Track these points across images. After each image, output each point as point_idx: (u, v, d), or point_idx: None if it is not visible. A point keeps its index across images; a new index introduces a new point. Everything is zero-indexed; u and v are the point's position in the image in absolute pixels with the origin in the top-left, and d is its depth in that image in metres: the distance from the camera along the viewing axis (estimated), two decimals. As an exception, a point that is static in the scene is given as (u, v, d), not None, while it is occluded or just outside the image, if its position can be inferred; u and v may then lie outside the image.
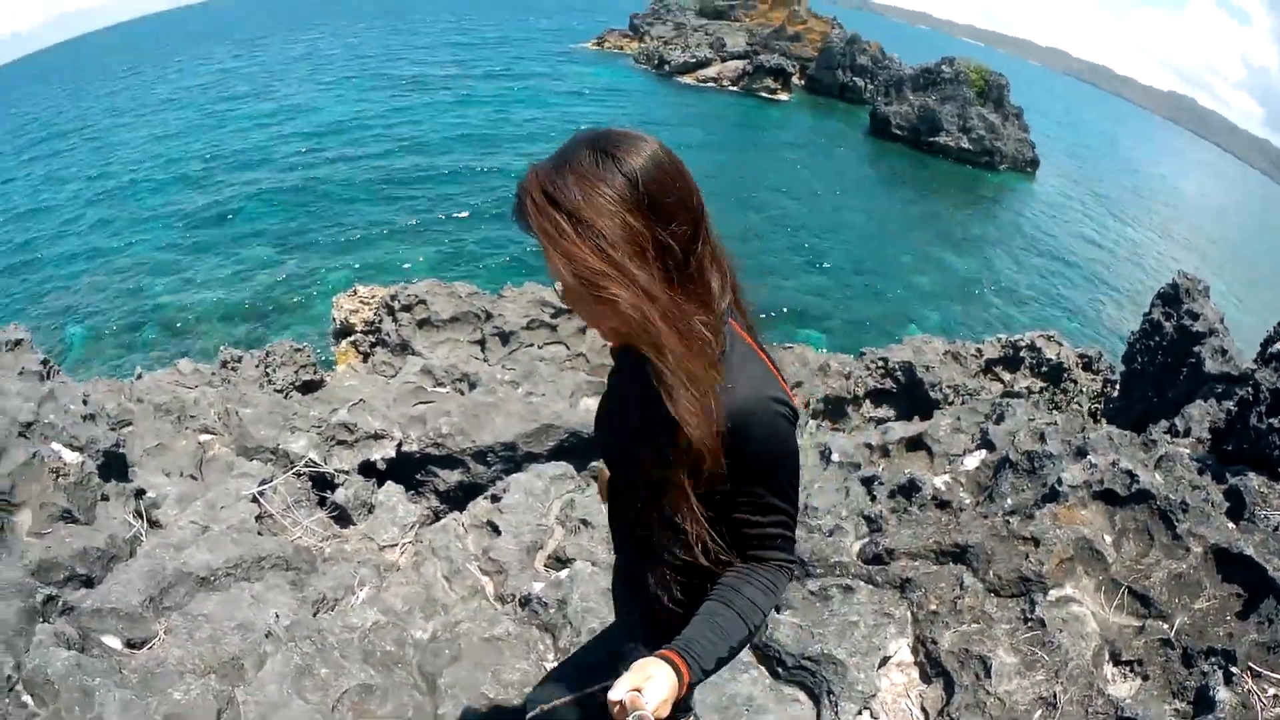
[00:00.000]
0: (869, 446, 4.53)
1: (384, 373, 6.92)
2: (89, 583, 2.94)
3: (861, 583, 3.00)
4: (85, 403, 3.96)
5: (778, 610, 2.93)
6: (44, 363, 4.51)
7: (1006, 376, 7.42)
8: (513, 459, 5.00)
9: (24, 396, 3.60)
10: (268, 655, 2.68)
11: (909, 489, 4.00)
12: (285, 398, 6.22)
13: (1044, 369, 7.40)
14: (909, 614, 2.85)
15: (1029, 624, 2.67)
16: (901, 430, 4.67)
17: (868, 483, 4.10)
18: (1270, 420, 3.21)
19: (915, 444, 4.68)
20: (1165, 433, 4.45)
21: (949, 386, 6.79)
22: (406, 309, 7.26)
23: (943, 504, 3.97)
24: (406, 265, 18.12)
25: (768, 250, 21.10)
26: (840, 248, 22.37)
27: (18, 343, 4.57)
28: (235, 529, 3.52)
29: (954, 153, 35.31)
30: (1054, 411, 5.11)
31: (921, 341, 7.50)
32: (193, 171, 25.83)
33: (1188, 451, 3.52)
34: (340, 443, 4.92)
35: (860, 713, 2.53)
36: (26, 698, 2.25)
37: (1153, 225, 35.69)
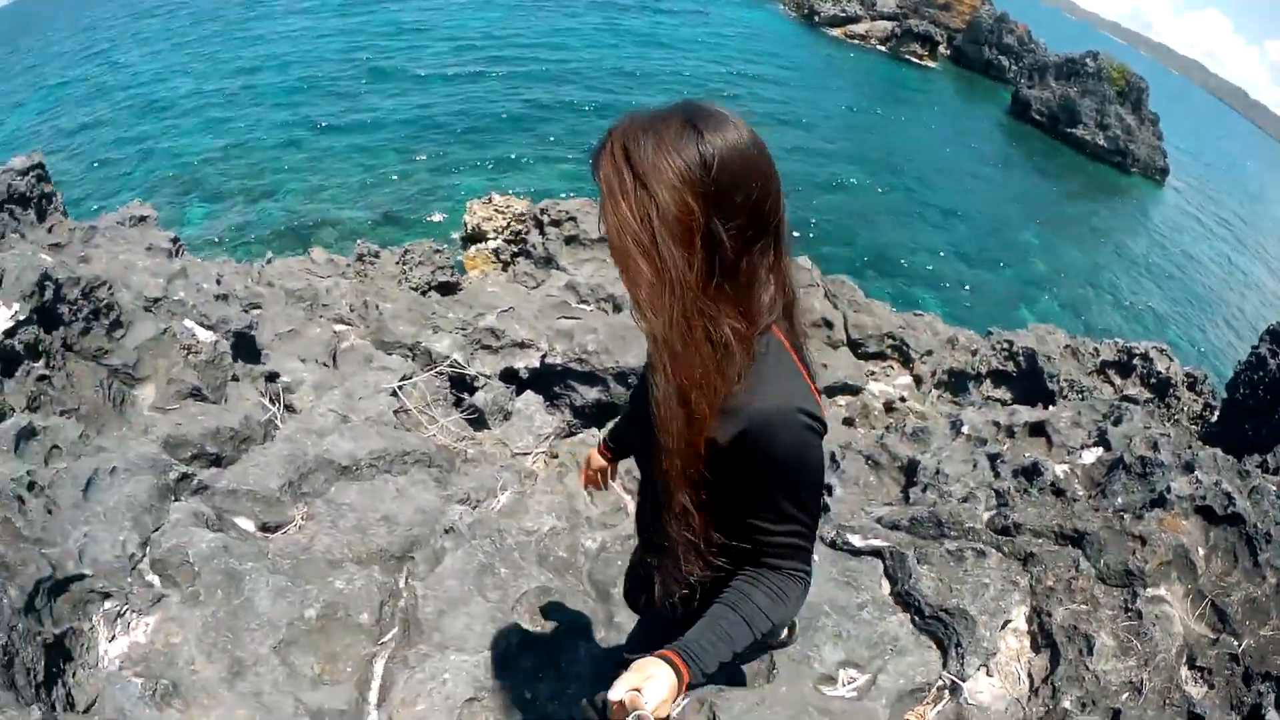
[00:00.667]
0: (996, 425, 4.47)
1: (525, 283, 6.91)
2: (218, 462, 2.88)
3: (992, 550, 3.01)
4: (219, 282, 3.92)
5: (915, 571, 2.92)
6: (174, 240, 4.53)
7: (1117, 380, 7.00)
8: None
9: (152, 272, 3.59)
10: (446, 550, 2.57)
11: (1032, 471, 3.97)
12: (423, 296, 6.31)
13: (1152, 380, 6.97)
14: (1030, 585, 2.86)
15: (1129, 613, 2.75)
16: (1026, 415, 4.58)
17: (993, 459, 4.10)
18: (1361, 480, 3.21)
19: (1037, 430, 4.54)
20: (1258, 466, 4.47)
21: (1065, 379, 6.43)
22: (556, 224, 7.28)
23: (1059, 491, 3.94)
24: (537, 186, 17.70)
25: (895, 209, 20.41)
26: (967, 218, 21.52)
27: (142, 219, 4.71)
28: (374, 421, 3.42)
29: (1089, 147, 34.24)
30: (1167, 424, 4.83)
31: (1045, 331, 7.11)
32: (325, 73, 25.28)
33: (1275, 488, 3.45)
34: (485, 347, 4.93)
35: (980, 668, 2.59)
36: (153, 577, 2.14)
37: (1268, 260, 32.99)
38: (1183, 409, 6.72)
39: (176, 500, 2.47)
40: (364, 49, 28.04)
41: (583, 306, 5.85)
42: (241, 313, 3.89)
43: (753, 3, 46.32)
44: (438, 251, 7.75)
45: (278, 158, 18.44)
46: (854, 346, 6.37)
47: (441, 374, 4.65)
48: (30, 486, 2.09)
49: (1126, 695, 2.44)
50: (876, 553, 3.23)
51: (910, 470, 4.33)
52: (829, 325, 6.44)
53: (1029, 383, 6.56)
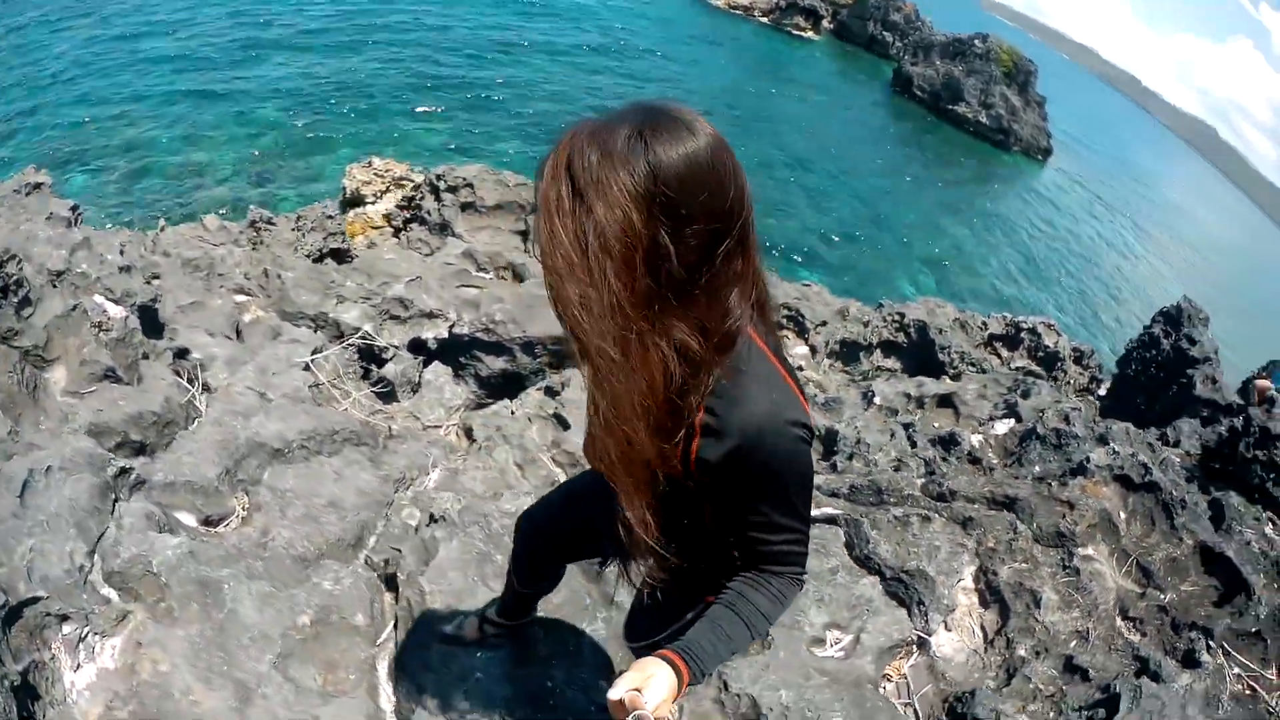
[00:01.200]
0: (907, 396, 4.72)
1: (419, 250, 6.72)
2: (142, 450, 2.65)
3: (934, 514, 3.20)
4: (121, 253, 3.66)
5: (871, 536, 3.07)
6: (73, 209, 4.17)
7: (1005, 353, 7.60)
8: (559, 354, 4.97)
9: (54, 244, 3.30)
10: (439, 541, 2.44)
11: (949, 441, 4.23)
12: (319, 264, 5.94)
13: (1040, 354, 7.60)
14: (974, 547, 3.06)
15: (1066, 570, 3.00)
16: (934, 387, 4.88)
17: (907, 428, 4.35)
18: (1256, 452, 3.62)
19: (945, 401, 4.85)
20: (1158, 439, 5.04)
21: (955, 352, 6.92)
22: (452, 190, 7.05)
23: (975, 460, 4.26)
24: (415, 154, 17.40)
25: (777, 183, 20.85)
26: (848, 194, 22.24)
27: (37, 186, 4.16)
28: (292, 398, 3.27)
29: (970, 124, 35.15)
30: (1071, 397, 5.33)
31: (935, 304, 7.58)
32: (206, 40, 24.01)
33: (1179, 460, 3.88)
34: (393, 317, 4.79)
35: (940, 623, 2.78)
36: (109, 591, 1.91)
37: (1149, 241, 36.36)
38: (1069, 382, 7.42)
39: (118, 499, 2.21)
40: (246, 16, 26.07)
41: (482, 275, 5.77)
42: (145, 285, 3.53)
43: (635, -28, 45.99)
44: (329, 217, 7.28)
45: (158, 126, 17.60)
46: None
47: (349, 346, 4.49)
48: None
49: (1075, 643, 2.68)
50: (831, 520, 3.38)
51: (830, 440, 4.58)
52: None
53: (920, 354, 7.03)
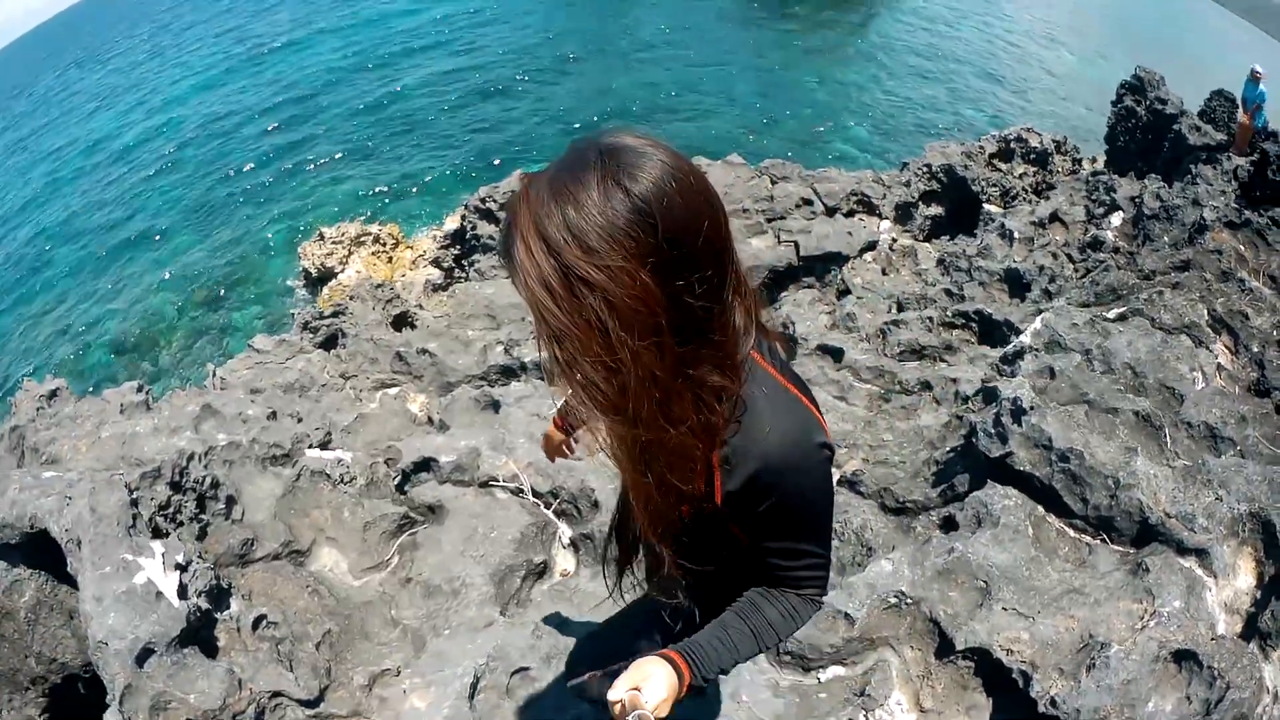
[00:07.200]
0: (1032, 223, 5.60)
1: (500, 276, 6.96)
2: None
3: (1168, 289, 4.05)
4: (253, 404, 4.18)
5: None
6: (139, 389, 4.66)
7: (1003, 166, 8.67)
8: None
9: (175, 432, 3.87)
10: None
11: (1094, 244, 5.14)
12: (399, 331, 6.39)
13: (1032, 156, 8.72)
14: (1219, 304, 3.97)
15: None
16: (1044, 209, 5.75)
17: (1061, 244, 5.23)
18: (1281, 175, 4.73)
19: (1053, 218, 5.80)
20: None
21: (982, 180, 7.94)
22: (505, 207, 7.21)
23: (1115, 249, 5.20)
24: (345, 199, 16.69)
25: (675, 99, 20.43)
26: (742, 82, 21.53)
27: (54, 392, 4.64)
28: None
29: None
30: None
31: (940, 146, 8.54)
32: (77, 175, 22.74)
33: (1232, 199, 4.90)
34: None
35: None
36: None
37: (999, 29, 33.46)
38: (1058, 169, 8.58)
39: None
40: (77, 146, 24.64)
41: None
42: (296, 423, 4.20)
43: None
44: (379, 287, 7.38)
45: (76, 291, 16.74)
46: (831, 213, 7.37)
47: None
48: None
49: None
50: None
51: (1014, 276, 5.27)
52: (809, 203, 7.35)
53: (954, 193, 8.02)
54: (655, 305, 0.87)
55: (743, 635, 1.18)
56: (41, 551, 3.07)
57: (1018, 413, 3.01)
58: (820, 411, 1.10)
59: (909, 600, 2.65)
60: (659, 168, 0.87)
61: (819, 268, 6.60)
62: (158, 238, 17.93)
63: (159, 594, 2.79)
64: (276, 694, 2.83)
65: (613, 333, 0.86)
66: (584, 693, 1.79)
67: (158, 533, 3.16)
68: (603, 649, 1.82)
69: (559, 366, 0.91)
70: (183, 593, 2.86)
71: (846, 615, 2.62)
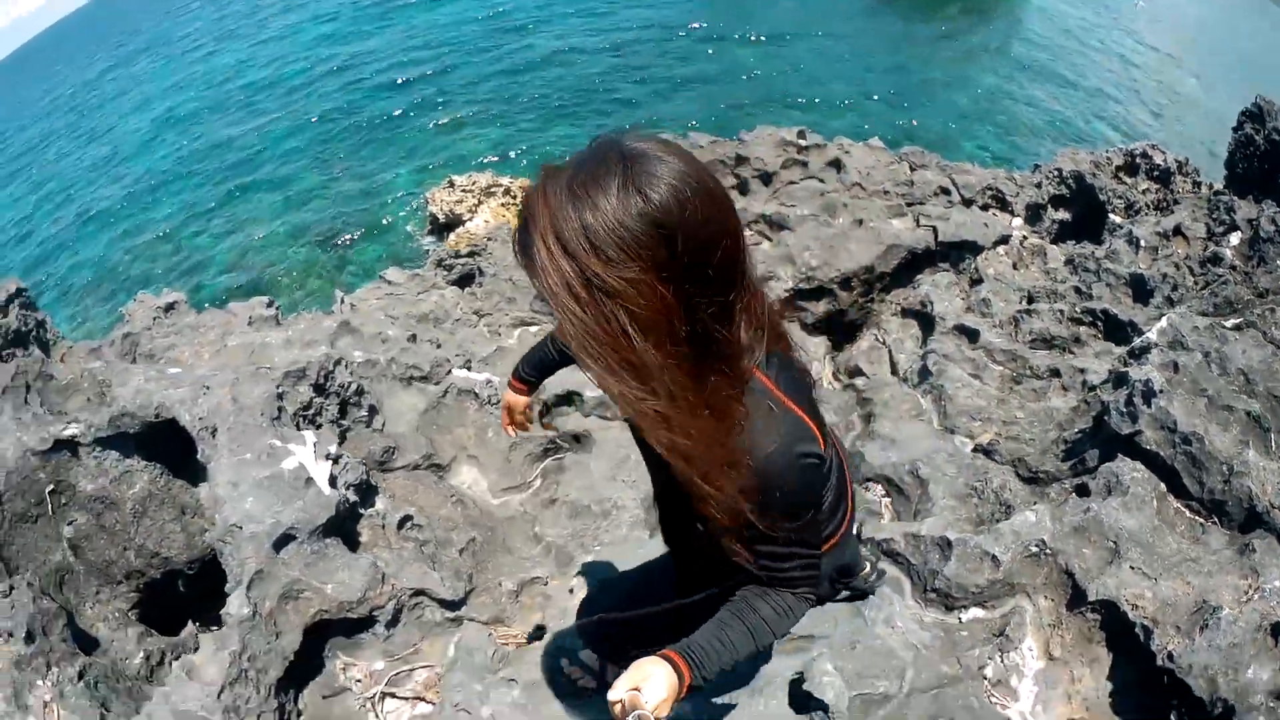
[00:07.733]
0: (1158, 234, 6.32)
1: None
2: None
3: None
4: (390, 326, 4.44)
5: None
6: (268, 303, 4.82)
7: (1128, 180, 9.22)
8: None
9: (324, 343, 3.99)
10: None
11: (1213, 260, 5.89)
12: None
13: (1155, 174, 9.21)
14: None
15: None
16: (1169, 222, 6.46)
17: (1183, 256, 5.94)
18: None
19: (1176, 230, 6.54)
20: None
21: (1110, 191, 8.57)
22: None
23: (1232, 266, 5.89)
24: (471, 156, 16.76)
25: (802, 88, 20.18)
26: (875, 76, 21.24)
27: (172, 304, 4.65)
28: None
29: None
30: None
31: (1070, 153, 9.15)
32: (197, 113, 23.23)
33: None
34: None
35: None
36: None
37: (1145, 43, 32.17)
38: (1179, 189, 9.09)
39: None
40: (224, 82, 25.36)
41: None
42: (435, 349, 4.29)
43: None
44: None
45: (190, 226, 17.05)
46: (967, 204, 8.19)
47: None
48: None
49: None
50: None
51: (1138, 281, 5.84)
52: (946, 192, 8.19)
53: (1082, 200, 8.68)
54: (671, 314, 0.92)
55: (740, 635, 1.23)
56: (159, 442, 3.01)
57: (1148, 395, 3.31)
58: (819, 421, 1.16)
59: (1048, 551, 2.88)
60: (680, 177, 0.90)
61: (954, 254, 7.44)
62: (278, 179, 18.19)
63: (309, 480, 2.74)
64: (419, 592, 2.80)
65: (634, 337, 0.91)
66: (572, 678, 1.97)
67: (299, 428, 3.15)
68: (622, 597, 1.97)
69: (591, 361, 0.95)
70: (333, 483, 2.84)
71: (993, 557, 2.83)
